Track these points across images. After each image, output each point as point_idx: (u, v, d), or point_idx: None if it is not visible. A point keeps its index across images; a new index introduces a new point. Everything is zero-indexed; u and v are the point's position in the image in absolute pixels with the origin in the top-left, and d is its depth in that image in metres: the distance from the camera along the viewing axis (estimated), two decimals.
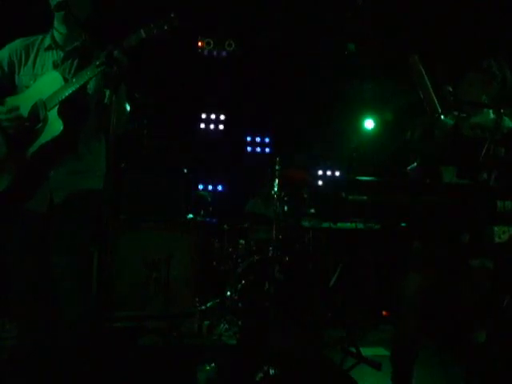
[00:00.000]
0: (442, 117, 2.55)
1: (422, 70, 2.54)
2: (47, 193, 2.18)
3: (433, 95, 2.55)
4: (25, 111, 2.17)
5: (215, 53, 6.00)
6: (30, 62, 2.26)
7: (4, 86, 2.25)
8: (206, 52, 5.96)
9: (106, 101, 2.19)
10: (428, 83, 2.54)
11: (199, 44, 5.92)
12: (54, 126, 2.11)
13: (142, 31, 2.01)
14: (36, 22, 2.35)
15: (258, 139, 6.78)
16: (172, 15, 1.99)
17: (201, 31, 5.88)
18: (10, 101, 2.22)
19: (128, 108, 2.30)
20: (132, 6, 4.55)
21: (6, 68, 2.26)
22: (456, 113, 2.63)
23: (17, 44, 2.30)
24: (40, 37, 2.32)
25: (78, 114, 2.19)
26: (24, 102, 2.18)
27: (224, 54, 6.00)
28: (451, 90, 2.56)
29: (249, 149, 6.77)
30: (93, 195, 2.23)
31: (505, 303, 2.29)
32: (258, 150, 6.79)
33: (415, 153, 2.71)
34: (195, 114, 6.39)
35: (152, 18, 2.01)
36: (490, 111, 2.57)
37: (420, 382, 2.81)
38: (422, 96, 2.56)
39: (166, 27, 2.00)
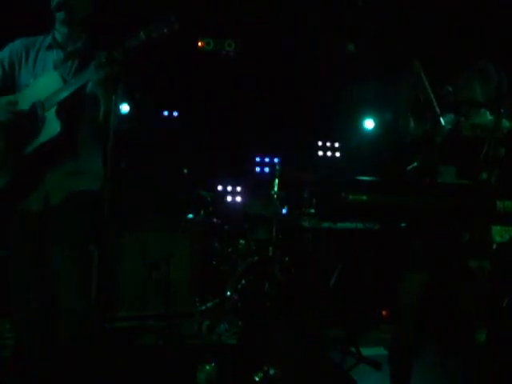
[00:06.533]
0: (442, 118, 2.56)
1: (423, 75, 2.55)
2: (44, 193, 2.18)
3: (432, 97, 2.56)
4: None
5: (215, 53, 5.99)
6: (30, 62, 2.26)
7: (5, 85, 2.26)
8: (205, 52, 5.96)
9: (102, 102, 2.18)
10: (429, 88, 2.55)
11: (199, 44, 5.91)
12: (52, 126, 2.11)
13: (141, 33, 2.01)
14: (39, 23, 2.35)
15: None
16: (172, 18, 1.99)
17: (201, 31, 5.87)
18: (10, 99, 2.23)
19: (127, 108, 2.30)
20: (133, 5, 4.55)
21: (6, 67, 2.26)
22: (455, 113, 2.64)
23: (18, 44, 2.31)
24: (41, 37, 2.32)
25: (75, 115, 2.19)
26: (23, 101, 2.19)
27: (224, 54, 5.99)
28: (451, 90, 2.57)
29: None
30: (90, 196, 2.23)
31: (505, 303, 2.29)
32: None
33: (415, 153, 2.71)
34: (195, 114, 6.38)
35: (152, 20, 2.00)
36: (487, 112, 2.58)
37: (419, 382, 2.81)
38: (422, 99, 2.57)
39: (165, 30, 2.00)
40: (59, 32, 2.27)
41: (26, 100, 2.18)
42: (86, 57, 2.21)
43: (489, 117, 2.56)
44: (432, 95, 2.55)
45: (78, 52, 2.27)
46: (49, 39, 2.29)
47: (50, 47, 2.28)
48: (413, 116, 2.62)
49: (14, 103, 2.17)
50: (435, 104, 2.55)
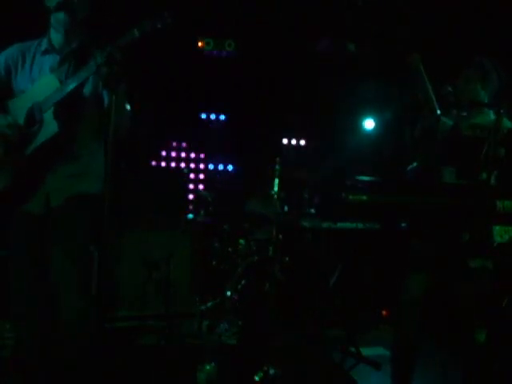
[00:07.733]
0: (442, 117, 2.56)
1: (422, 69, 2.55)
2: (44, 195, 2.18)
3: (432, 95, 2.56)
4: (22, 115, 2.18)
5: (215, 53, 5.99)
6: (26, 67, 2.25)
7: (1, 90, 2.25)
8: (205, 52, 5.95)
9: (105, 102, 2.18)
10: (427, 83, 2.55)
11: (199, 44, 5.90)
12: (49, 127, 2.11)
13: (135, 30, 2.00)
14: (31, 27, 2.34)
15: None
16: (165, 14, 1.99)
17: (201, 31, 5.87)
18: (11, 105, 2.22)
19: (128, 108, 2.30)
20: (131, 5, 4.54)
21: (2, 73, 2.26)
22: (456, 113, 2.63)
23: (13, 49, 2.29)
24: (36, 41, 2.30)
25: (73, 115, 2.19)
26: (21, 106, 2.19)
27: (224, 54, 5.99)
28: (451, 89, 2.57)
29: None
30: (90, 198, 2.23)
31: (505, 303, 2.29)
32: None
33: (415, 153, 2.71)
34: (195, 114, 6.37)
35: (144, 17, 2.00)
36: (491, 112, 2.56)
37: (420, 382, 2.81)
38: (421, 96, 2.57)
39: (159, 25, 1.99)
40: (56, 33, 2.24)
41: (24, 105, 2.18)
42: (83, 57, 2.20)
43: (492, 116, 2.55)
44: (431, 92, 2.55)
45: (75, 52, 2.25)
46: (44, 43, 2.27)
47: (45, 52, 2.26)
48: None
49: (15, 126, 2.17)
50: (435, 101, 2.55)
